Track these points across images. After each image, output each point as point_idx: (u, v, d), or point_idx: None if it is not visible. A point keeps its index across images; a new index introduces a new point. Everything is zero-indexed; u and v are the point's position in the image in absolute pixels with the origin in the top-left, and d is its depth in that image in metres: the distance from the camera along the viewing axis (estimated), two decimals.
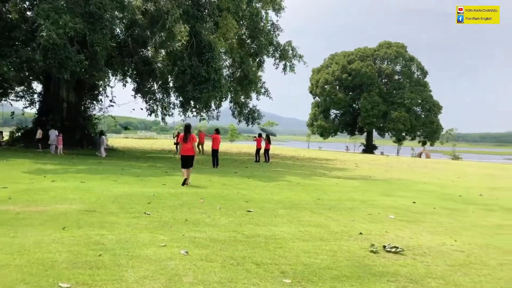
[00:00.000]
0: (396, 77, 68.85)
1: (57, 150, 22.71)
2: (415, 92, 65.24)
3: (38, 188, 10.09)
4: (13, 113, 31.00)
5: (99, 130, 27.86)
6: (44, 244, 5.49)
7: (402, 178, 18.90)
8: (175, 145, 31.74)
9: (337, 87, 68.95)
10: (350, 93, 69.18)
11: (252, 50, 32.51)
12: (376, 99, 64.12)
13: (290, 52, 33.35)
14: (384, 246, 6.21)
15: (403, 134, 66.03)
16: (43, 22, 16.33)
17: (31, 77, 25.21)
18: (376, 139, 74.68)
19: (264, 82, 34.35)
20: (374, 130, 69.15)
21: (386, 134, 68.17)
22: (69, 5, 17.32)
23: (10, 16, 19.83)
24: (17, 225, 6.54)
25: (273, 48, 33.18)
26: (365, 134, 71.51)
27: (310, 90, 72.44)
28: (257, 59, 33.41)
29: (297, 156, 36.30)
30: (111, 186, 11.24)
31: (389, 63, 69.56)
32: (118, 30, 23.14)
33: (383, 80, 69.25)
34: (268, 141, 24.93)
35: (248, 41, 32.79)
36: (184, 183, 12.08)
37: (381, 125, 65.52)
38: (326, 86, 68.90)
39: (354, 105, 69.82)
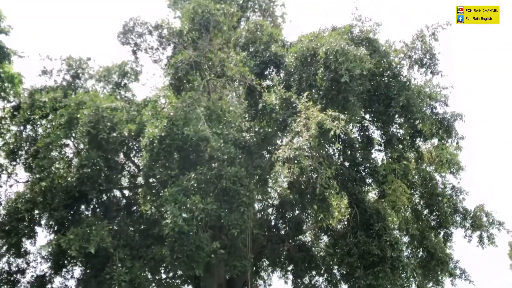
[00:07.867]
0: None
1: None
2: None
3: None
4: None
5: None
6: None
7: None
8: None
9: None
10: None
11: (433, 222, 26.02)
12: None
13: (484, 219, 25.90)
14: None
15: None
16: (169, 207, 13.55)
17: (177, 281, 22.29)
18: None
19: (457, 261, 26.37)
20: None
21: None
22: (200, 184, 14.60)
23: (142, 210, 18.19)
24: None
25: (461, 216, 26.26)
26: None
27: None
28: (442, 232, 26.42)
29: None
30: None
31: None
32: (257, 207, 19.57)
33: None
34: None
35: (426, 211, 26.65)
36: None
37: None
38: None
39: None
